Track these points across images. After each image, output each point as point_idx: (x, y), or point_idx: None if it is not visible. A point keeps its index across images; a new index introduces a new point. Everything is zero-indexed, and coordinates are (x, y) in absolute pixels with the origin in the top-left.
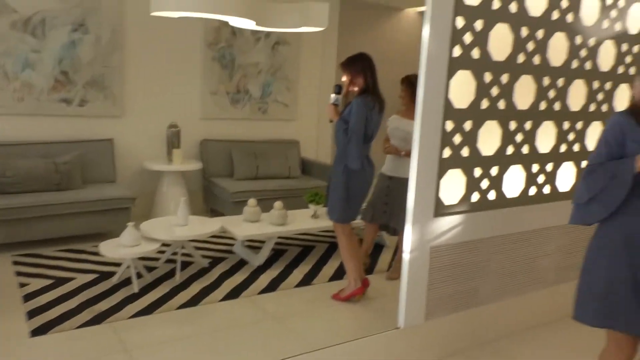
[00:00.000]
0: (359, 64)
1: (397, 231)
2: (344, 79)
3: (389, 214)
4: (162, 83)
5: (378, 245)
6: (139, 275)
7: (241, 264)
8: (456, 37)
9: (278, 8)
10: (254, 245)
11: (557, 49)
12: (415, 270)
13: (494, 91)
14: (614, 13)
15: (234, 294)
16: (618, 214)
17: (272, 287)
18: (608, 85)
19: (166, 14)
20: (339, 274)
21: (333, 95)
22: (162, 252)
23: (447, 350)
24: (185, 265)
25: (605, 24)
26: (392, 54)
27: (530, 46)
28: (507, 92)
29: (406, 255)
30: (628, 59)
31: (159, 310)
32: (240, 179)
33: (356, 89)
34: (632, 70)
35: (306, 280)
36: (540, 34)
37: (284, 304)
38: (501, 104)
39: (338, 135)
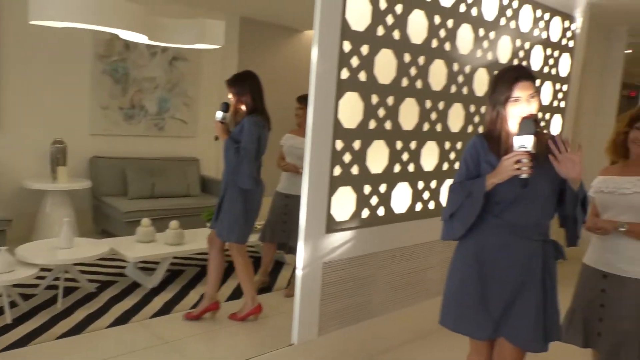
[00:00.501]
0: (247, 83)
1: (294, 249)
2: (231, 96)
3: (288, 233)
4: (45, 96)
5: (278, 262)
6: (13, 304)
7: (134, 286)
8: (344, 60)
9: (172, 24)
10: (149, 267)
11: (437, 74)
12: (308, 286)
13: (381, 112)
14: (485, 44)
15: (123, 319)
16: (472, 229)
17: (166, 309)
18: (484, 109)
19: (47, 23)
20: (237, 293)
21: (220, 113)
22: (43, 277)
23: None
24: (69, 291)
25: (479, 53)
26: (293, 73)
27: (413, 71)
28: (393, 113)
29: (299, 272)
30: None
31: (36, 341)
32: (134, 198)
33: (243, 107)
34: None
35: None
36: (421, 60)
37: (179, 327)
38: (388, 125)
39: (228, 154)
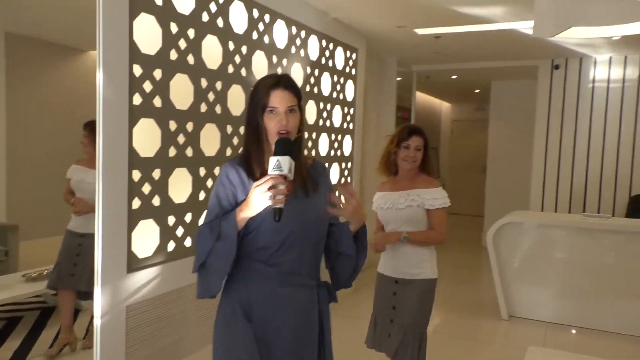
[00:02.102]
0: None
1: (90, 294)
2: None
3: (79, 276)
4: None
5: (75, 310)
6: None
7: None
8: (135, 85)
9: None
10: None
11: (236, 99)
12: (110, 335)
13: (181, 139)
14: (279, 70)
15: None
16: (235, 279)
17: None
18: None
19: None
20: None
21: None
22: None
23: None
24: None
25: None
26: (77, 97)
27: (211, 96)
28: (194, 139)
29: (97, 321)
30: None
31: None
32: None
33: None
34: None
35: None
36: (219, 85)
37: None
38: (189, 152)
39: None
